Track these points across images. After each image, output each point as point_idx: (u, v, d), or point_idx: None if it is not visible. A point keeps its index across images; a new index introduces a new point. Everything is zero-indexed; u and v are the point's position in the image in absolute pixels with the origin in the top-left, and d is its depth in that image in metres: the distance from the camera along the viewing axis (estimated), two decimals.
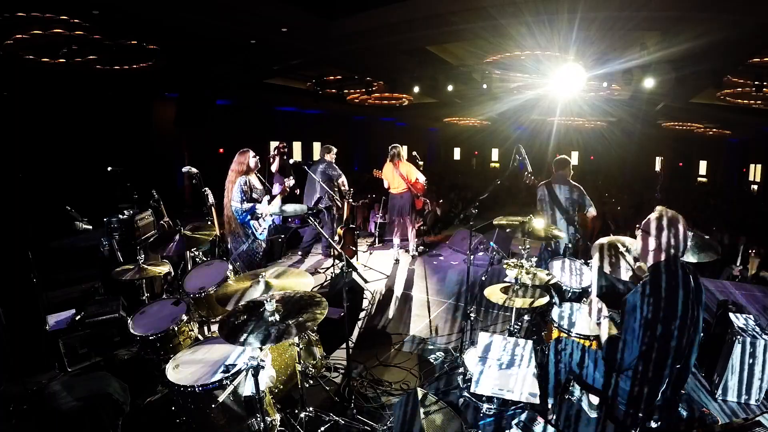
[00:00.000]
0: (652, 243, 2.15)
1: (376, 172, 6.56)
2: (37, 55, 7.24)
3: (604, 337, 2.29)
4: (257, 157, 4.28)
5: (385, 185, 6.44)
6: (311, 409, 2.87)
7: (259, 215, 4.19)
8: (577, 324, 3.02)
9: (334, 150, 6.25)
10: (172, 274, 4.35)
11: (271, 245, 6.52)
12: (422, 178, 6.39)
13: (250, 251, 4.22)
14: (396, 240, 6.51)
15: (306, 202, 6.20)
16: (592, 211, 4.65)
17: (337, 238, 6.03)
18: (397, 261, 6.49)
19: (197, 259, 3.93)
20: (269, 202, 4.19)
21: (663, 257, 2.13)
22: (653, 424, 2.07)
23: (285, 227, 7.08)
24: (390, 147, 6.29)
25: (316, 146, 17.59)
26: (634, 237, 2.32)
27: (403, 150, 6.54)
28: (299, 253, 6.64)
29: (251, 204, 4.12)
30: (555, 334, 3.04)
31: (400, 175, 6.20)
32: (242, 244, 4.19)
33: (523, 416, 2.27)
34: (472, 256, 3.57)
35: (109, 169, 4.83)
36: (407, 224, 6.43)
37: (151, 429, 2.91)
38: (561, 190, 4.58)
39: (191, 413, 2.37)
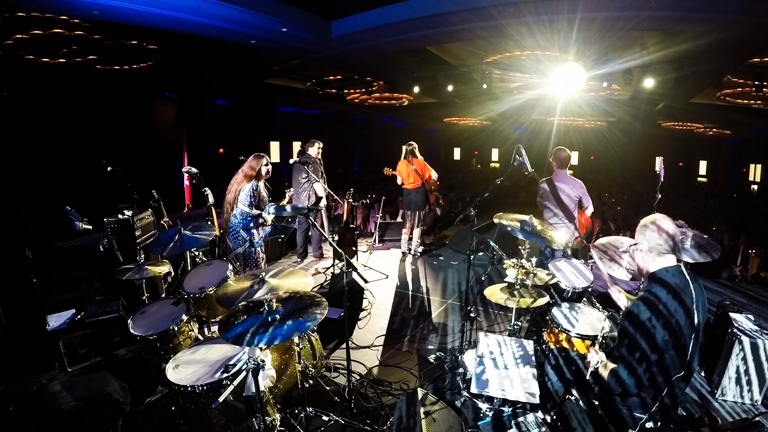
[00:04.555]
0: (643, 251, 2.07)
1: (387, 170, 6.71)
2: (37, 55, 7.24)
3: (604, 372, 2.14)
4: (270, 166, 4.24)
5: (399, 182, 6.61)
6: (311, 409, 2.87)
7: (261, 222, 4.17)
8: (577, 324, 3.02)
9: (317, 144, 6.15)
10: (172, 274, 4.34)
11: (270, 246, 6.53)
12: (435, 175, 6.65)
13: (246, 254, 4.19)
14: (405, 236, 6.76)
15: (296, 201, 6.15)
16: (590, 209, 4.63)
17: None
18: (404, 254, 6.74)
19: (197, 259, 3.93)
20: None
21: (660, 261, 2.06)
22: (653, 425, 2.07)
23: (285, 227, 7.08)
24: (406, 144, 6.51)
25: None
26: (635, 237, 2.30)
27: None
28: (298, 256, 6.62)
29: (259, 211, 4.09)
30: (555, 334, 3.04)
31: (415, 170, 6.40)
32: (238, 246, 4.16)
33: (523, 416, 2.26)
34: (472, 256, 3.57)
35: (110, 169, 4.83)
36: (418, 220, 6.60)
37: (151, 429, 2.91)
38: (562, 186, 4.54)
39: (191, 413, 2.37)
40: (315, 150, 6.12)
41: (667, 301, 1.96)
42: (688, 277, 2.03)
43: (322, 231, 3.87)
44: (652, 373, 1.99)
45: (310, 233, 6.51)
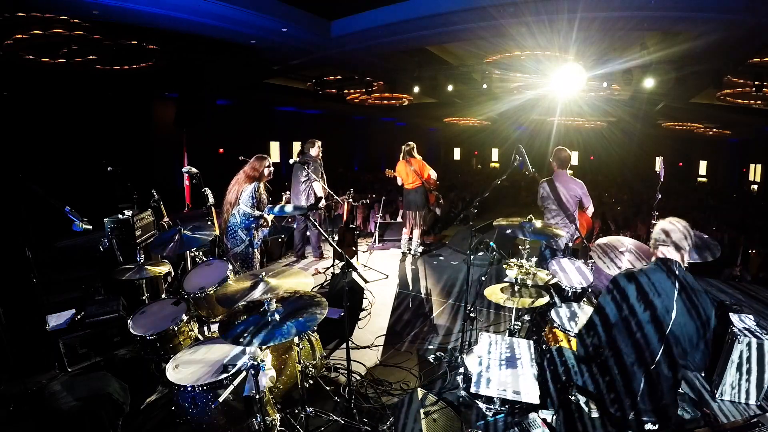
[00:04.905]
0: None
1: (389, 171, 6.73)
2: (37, 55, 7.24)
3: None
4: (272, 168, 4.24)
5: (399, 182, 6.63)
6: (311, 409, 2.87)
7: (262, 223, 4.17)
8: (577, 324, 3.02)
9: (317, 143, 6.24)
10: (172, 274, 4.34)
11: (270, 245, 6.53)
12: (434, 174, 6.64)
13: (244, 254, 4.19)
14: (405, 236, 6.77)
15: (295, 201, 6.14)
16: (591, 209, 4.63)
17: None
18: (404, 254, 6.75)
19: (197, 259, 3.93)
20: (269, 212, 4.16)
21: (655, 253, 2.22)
22: (652, 426, 2.07)
23: (285, 227, 7.08)
24: (404, 145, 6.51)
25: None
26: (635, 237, 2.35)
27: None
28: (296, 256, 6.62)
29: (261, 212, 4.09)
30: (555, 334, 3.04)
31: (413, 171, 6.41)
32: (237, 246, 4.16)
33: (523, 416, 2.27)
34: (472, 256, 3.57)
35: (109, 169, 4.83)
36: (418, 220, 6.60)
37: (151, 429, 2.91)
38: (563, 187, 4.54)
39: (191, 413, 2.37)
40: (316, 150, 6.17)
41: (627, 288, 2.12)
42: (672, 272, 2.11)
43: (321, 231, 3.87)
44: (605, 355, 2.16)
45: (308, 233, 6.51)
